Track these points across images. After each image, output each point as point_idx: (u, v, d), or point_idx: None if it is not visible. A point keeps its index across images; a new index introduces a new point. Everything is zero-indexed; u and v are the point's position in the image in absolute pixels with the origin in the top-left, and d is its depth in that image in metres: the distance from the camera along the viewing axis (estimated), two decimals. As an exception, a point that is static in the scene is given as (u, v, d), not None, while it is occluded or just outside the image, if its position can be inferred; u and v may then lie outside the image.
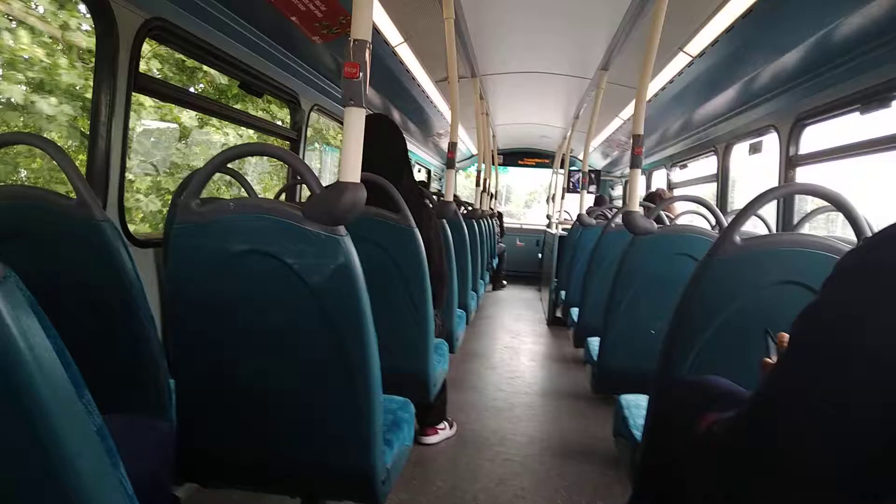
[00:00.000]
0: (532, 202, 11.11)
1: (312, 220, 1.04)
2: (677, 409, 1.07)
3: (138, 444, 1.03)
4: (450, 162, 2.71)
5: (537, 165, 9.00)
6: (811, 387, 0.60)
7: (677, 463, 1.05)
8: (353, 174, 1.03)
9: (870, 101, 2.18)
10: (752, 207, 1.20)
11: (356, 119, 1.03)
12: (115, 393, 1.18)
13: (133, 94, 1.79)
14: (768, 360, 0.90)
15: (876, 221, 1.31)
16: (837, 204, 1.18)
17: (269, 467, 1.26)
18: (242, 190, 2.11)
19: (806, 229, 2.44)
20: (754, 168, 3.40)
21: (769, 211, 2.87)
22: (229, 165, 1.67)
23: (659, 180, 5.84)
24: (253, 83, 2.63)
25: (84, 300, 1.18)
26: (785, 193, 1.27)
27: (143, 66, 1.85)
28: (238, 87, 2.69)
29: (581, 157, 4.39)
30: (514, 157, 9.00)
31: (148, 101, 4.37)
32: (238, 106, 4.66)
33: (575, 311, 3.28)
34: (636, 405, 1.63)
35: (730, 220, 1.24)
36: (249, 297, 1.11)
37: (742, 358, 1.11)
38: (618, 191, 8.45)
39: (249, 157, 4.69)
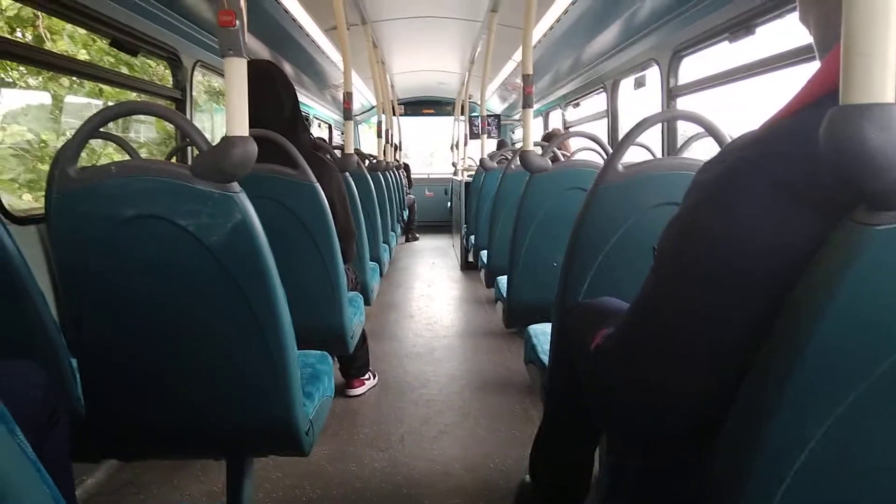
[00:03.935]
0: (435, 153, 11.06)
1: (202, 179, 1.01)
2: (575, 332, 1.15)
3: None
4: (347, 113, 2.66)
5: (437, 113, 9.00)
6: (674, 288, 0.67)
7: (576, 380, 1.14)
8: (241, 128, 1.00)
9: (737, 29, 2.33)
10: (629, 137, 1.28)
11: (238, 70, 1.00)
12: None
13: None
14: None
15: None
16: (706, 126, 1.28)
17: (189, 434, 1.25)
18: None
19: (688, 154, 2.62)
20: (645, 103, 3.58)
21: (656, 141, 3.05)
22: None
23: (556, 121, 6.00)
24: (126, 41, 2.43)
25: None
26: (657, 121, 1.35)
27: None
28: (109, 45, 2.48)
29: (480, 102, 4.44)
30: (416, 106, 8.93)
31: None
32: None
33: (484, 254, 3.38)
34: (543, 333, 1.73)
35: None
36: (146, 264, 1.07)
37: (632, 278, 1.20)
38: (518, 134, 8.61)
39: (138, 128, 4.40)
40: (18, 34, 3.55)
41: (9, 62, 3.22)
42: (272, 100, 1.79)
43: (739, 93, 2.60)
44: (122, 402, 1.20)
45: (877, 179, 0.45)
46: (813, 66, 0.67)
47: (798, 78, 2.15)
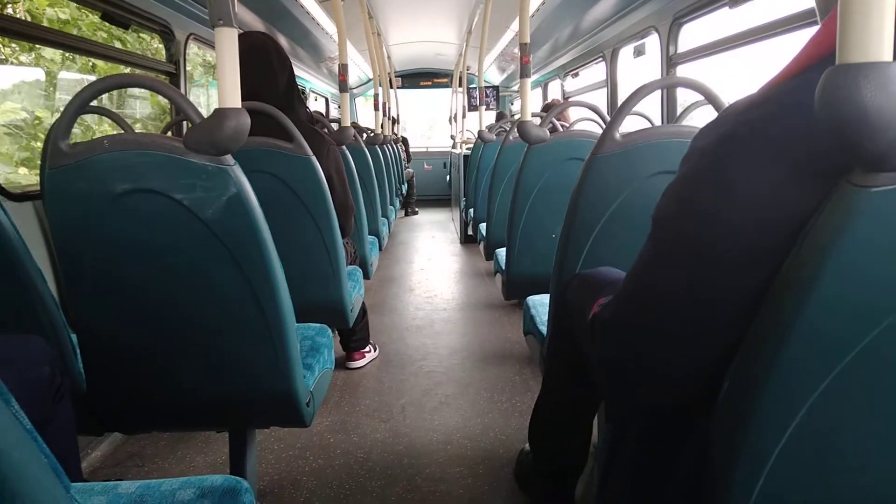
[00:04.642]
0: (433, 125, 10.97)
1: (195, 152, 1.00)
2: (573, 302, 1.16)
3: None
4: (342, 86, 2.63)
5: (435, 86, 8.91)
6: (670, 259, 0.67)
7: (575, 350, 1.15)
8: (233, 99, 0.98)
9: None
10: (627, 105, 1.27)
11: (228, 40, 0.98)
12: None
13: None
14: None
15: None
16: (705, 93, 1.26)
17: (190, 407, 1.26)
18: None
19: (688, 123, 2.59)
20: (646, 73, 3.53)
21: (655, 110, 3.02)
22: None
23: (555, 91, 5.94)
24: (116, 14, 2.39)
25: None
26: (655, 88, 1.33)
27: None
28: (101, 19, 2.44)
29: (478, 74, 4.38)
30: (413, 78, 8.84)
31: None
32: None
33: (483, 227, 3.38)
34: (542, 304, 1.73)
35: None
36: (143, 238, 1.06)
37: (630, 247, 1.20)
38: (517, 105, 8.52)
39: (133, 104, 4.35)
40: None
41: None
42: (266, 72, 1.77)
43: (742, 61, 2.56)
44: (122, 377, 1.20)
45: (873, 140, 0.44)
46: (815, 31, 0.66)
47: (801, 43, 2.12)
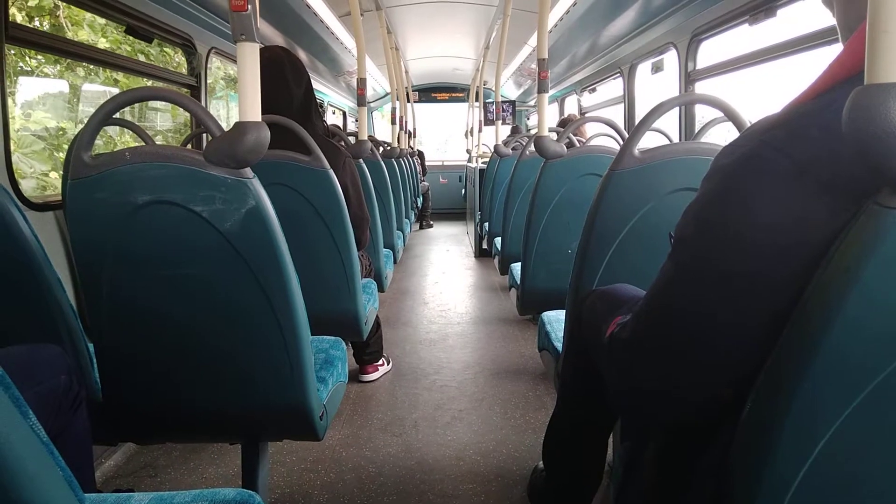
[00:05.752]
0: (449, 139, 11.02)
1: (215, 165, 1.01)
2: (589, 319, 1.14)
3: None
4: (360, 99, 2.65)
5: (452, 100, 8.96)
6: (690, 281, 0.66)
7: (590, 368, 1.13)
8: (253, 113, 0.99)
9: (757, 11, 2.28)
10: (646, 121, 1.26)
11: (250, 54, 0.99)
12: None
13: (7, 45, 1.63)
14: None
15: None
16: (724, 110, 1.25)
17: (204, 418, 1.26)
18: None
19: (706, 140, 2.57)
20: (663, 89, 3.52)
21: (673, 126, 3.01)
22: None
23: (572, 106, 5.94)
24: (140, 27, 2.44)
25: None
26: (675, 105, 1.32)
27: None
28: (125, 33, 2.50)
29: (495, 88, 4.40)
30: (430, 92, 8.91)
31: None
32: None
33: (499, 241, 3.37)
34: (557, 320, 1.72)
35: None
36: (162, 250, 1.08)
37: (648, 265, 1.19)
38: (533, 120, 8.55)
39: (154, 117, 4.42)
40: (36, 23, 3.59)
41: (27, 50, 3.25)
42: (282, 85, 1.79)
43: (760, 77, 2.55)
44: (138, 387, 1.21)
45: None
46: (837, 49, 0.65)
47: (821, 61, 2.11)
